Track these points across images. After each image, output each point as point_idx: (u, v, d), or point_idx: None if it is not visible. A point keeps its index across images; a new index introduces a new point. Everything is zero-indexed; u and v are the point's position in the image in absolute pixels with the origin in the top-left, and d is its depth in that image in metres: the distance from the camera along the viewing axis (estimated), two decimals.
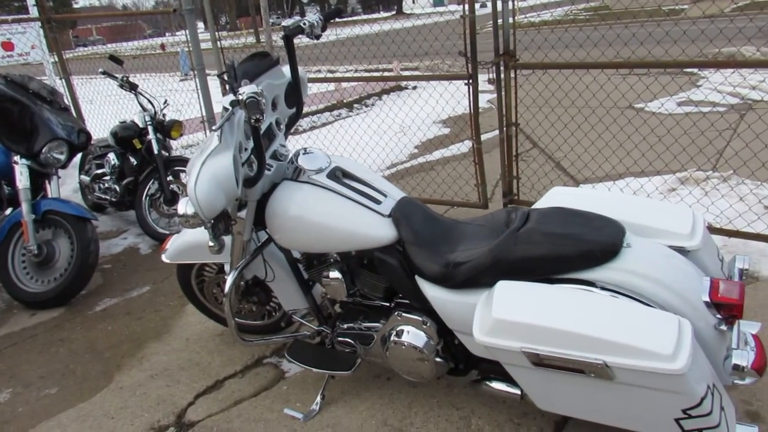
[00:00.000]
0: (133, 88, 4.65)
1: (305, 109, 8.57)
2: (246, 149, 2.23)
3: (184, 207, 2.28)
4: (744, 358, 1.76)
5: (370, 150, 5.96)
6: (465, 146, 6.32)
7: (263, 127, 2.32)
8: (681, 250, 2.02)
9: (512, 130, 4.04)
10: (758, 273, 3.18)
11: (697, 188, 4.21)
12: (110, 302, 3.79)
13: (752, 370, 1.82)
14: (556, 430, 2.32)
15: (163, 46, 24.05)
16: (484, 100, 8.00)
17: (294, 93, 2.56)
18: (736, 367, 1.75)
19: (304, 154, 2.37)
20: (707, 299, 1.85)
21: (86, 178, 5.10)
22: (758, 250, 3.33)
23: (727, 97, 7.04)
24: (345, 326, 2.53)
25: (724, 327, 1.85)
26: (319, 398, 2.61)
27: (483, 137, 4.31)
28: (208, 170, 2.03)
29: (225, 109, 2.01)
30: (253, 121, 1.92)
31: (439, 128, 7.39)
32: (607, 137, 4.80)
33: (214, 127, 2.03)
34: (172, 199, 4.58)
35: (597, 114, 4.76)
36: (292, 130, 2.71)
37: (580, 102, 4.82)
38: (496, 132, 4.23)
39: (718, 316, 1.85)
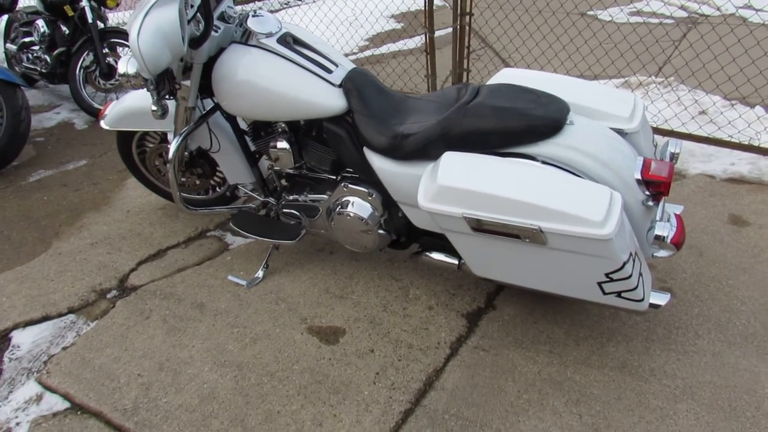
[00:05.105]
0: None
1: None
2: (192, 6, 2.14)
3: (125, 65, 2.20)
4: (666, 229, 1.90)
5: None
6: (414, 42, 6.21)
7: None
8: (620, 132, 2.11)
9: (465, 20, 3.98)
10: (686, 171, 3.35)
11: (637, 89, 4.32)
12: (45, 174, 3.66)
13: (671, 244, 1.97)
14: (488, 301, 2.46)
15: None
16: None
17: None
18: (658, 237, 1.89)
19: (253, 16, 2.29)
20: (638, 177, 1.96)
21: (12, 47, 4.75)
22: (688, 150, 3.49)
23: (677, 11, 7.10)
24: (291, 198, 2.55)
25: (651, 203, 1.98)
26: (262, 268, 2.66)
27: (436, 33, 4.24)
28: (152, 21, 1.95)
29: None
30: None
31: (391, 23, 7.19)
32: (553, 40, 4.81)
33: None
34: (109, 72, 4.35)
35: (548, 22, 4.74)
36: None
37: (535, 9, 4.78)
38: (449, 30, 4.15)
39: (647, 192, 1.98)
